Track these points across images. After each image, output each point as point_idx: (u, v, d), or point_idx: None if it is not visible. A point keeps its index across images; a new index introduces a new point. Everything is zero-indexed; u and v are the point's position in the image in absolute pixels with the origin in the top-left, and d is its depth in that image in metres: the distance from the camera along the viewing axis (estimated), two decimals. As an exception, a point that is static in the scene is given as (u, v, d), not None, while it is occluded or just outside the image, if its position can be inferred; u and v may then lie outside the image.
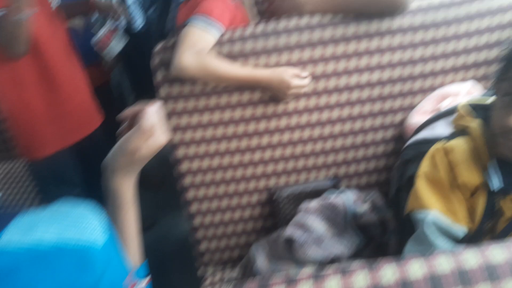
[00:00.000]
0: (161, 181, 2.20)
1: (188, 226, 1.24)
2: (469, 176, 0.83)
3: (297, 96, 1.13)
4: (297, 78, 1.08)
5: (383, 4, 1.06)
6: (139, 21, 2.28)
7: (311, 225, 1.07)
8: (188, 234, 1.27)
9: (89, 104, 1.55)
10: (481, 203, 0.83)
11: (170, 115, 1.13)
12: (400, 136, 1.19)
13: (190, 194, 1.21)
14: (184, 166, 1.18)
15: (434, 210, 0.84)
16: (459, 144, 0.86)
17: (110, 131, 2.23)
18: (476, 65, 1.15)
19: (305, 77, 1.10)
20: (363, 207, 1.10)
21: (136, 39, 2.41)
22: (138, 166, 0.65)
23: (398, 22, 1.09)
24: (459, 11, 1.10)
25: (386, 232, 1.11)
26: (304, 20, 1.09)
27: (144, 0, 2.35)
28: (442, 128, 1.00)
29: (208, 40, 1.03)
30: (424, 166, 0.89)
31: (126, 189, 0.65)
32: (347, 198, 1.10)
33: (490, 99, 0.87)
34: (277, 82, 1.06)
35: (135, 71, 2.68)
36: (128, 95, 2.70)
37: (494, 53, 1.14)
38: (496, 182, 0.81)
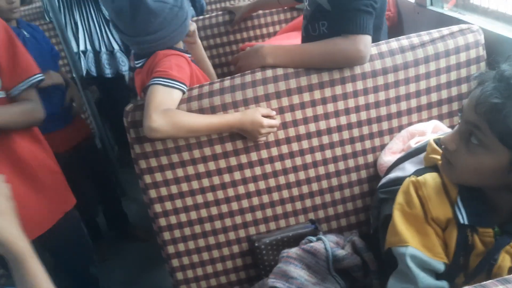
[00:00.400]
0: (147, 234, 2.18)
1: (171, 281, 1.23)
2: (440, 210, 0.85)
3: (271, 133, 1.14)
4: (268, 117, 1.11)
5: (340, 60, 1.11)
6: (126, 66, 2.30)
7: (293, 273, 1.07)
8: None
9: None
10: (453, 237, 0.85)
11: (143, 172, 1.15)
12: (374, 176, 1.22)
13: (170, 249, 1.20)
14: (162, 222, 1.18)
15: (411, 245, 0.85)
16: (429, 179, 0.89)
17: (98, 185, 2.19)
18: (439, 103, 1.20)
19: (275, 116, 1.13)
20: (343, 251, 1.11)
21: (110, 86, 2.44)
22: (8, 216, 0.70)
23: (359, 69, 1.14)
24: (415, 54, 1.15)
25: (368, 273, 1.11)
26: (269, 73, 1.13)
27: (126, 49, 2.39)
28: (411, 167, 1.03)
29: (174, 98, 1.06)
30: (399, 201, 0.91)
31: (14, 240, 0.68)
32: (327, 243, 1.10)
33: None
34: (250, 123, 1.09)
35: (114, 121, 2.69)
36: (111, 146, 2.69)
37: (453, 91, 1.19)
38: (462, 218, 0.83)
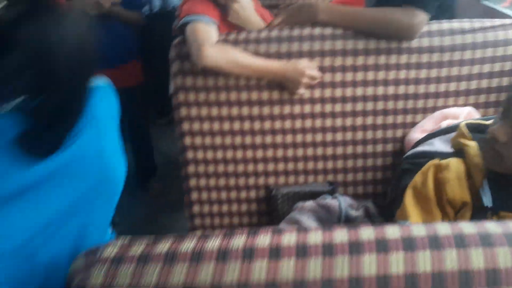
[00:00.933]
0: (161, 189, 2.24)
1: (186, 214, 1.29)
2: (458, 193, 0.88)
3: (309, 87, 1.17)
4: (309, 68, 1.14)
5: (392, 30, 1.12)
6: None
7: (304, 223, 1.11)
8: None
9: None
10: (466, 219, 0.87)
11: (181, 105, 1.19)
12: (399, 150, 1.24)
13: (192, 182, 1.26)
14: (189, 155, 1.23)
15: (412, 221, 0.89)
16: (453, 163, 0.91)
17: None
18: (477, 92, 1.21)
19: (317, 69, 1.16)
20: (356, 212, 1.14)
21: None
22: None
23: (407, 43, 1.15)
24: (464, 39, 1.16)
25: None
26: (317, 31, 1.16)
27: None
28: (439, 144, 1.05)
29: (213, 32, 1.12)
30: (415, 180, 0.94)
31: None
32: (342, 202, 1.14)
33: (489, 121, 0.92)
34: (292, 71, 1.12)
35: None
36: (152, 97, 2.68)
37: (494, 82, 1.20)
38: (487, 200, 0.85)
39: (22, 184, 0.48)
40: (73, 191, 0.53)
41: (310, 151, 1.24)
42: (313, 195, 1.21)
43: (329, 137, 1.23)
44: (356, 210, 1.16)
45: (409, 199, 0.92)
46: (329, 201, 1.14)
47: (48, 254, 0.53)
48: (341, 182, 1.27)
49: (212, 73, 1.15)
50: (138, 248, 0.52)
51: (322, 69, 1.17)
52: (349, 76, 1.18)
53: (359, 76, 1.18)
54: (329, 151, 1.24)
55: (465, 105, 1.22)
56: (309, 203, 1.15)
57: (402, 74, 1.18)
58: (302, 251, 0.51)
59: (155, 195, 2.22)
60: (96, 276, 0.49)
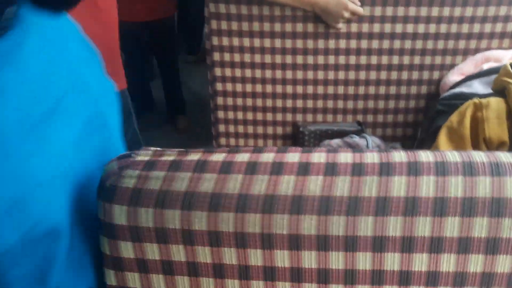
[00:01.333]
0: (188, 125, 2.26)
1: (213, 145, 1.31)
2: (497, 132, 0.85)
3: (349, 22, 1.13)
4: (352, 3, 1.09)
5: None
6: None
7: (329, 160, 1.11)
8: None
9: None
10: None
11: (212, 33, 1.17)
12: (434, 93, 1.20)
13: (220, 114, 1.26)
14: (218, 87, 1.23)
15: None
16: (494, 102, 0.88)
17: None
18: (525, 34, 1.14)
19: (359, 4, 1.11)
20: (383, 153, 1.13)
21: None
22: None
23: (455, -25, 1.08)
24: (519, -26, 1.07)
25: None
26: None
27: None
28: (479, 86, 1.01)
29: None
30: (451, 119, 0.91)
31: None
32: (370, 141, 1.13)
33: None
34: (334, 4, 1.08)
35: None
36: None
37: (546, 24, 1.12)
38: None
39: (57, 97, 0.48)
40: (85, 109, 0.53)
41: (341, 89, 1.22)
42: (341, 134, 1.20)
43: (362, 75, 1.20)
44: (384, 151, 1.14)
45: (442, 138, 0.90)
46: (357, 140, 1.13)
47: (83, 168, 0.53)
48: (370, 123, 1.25)
49: (246, 1, 1.12)
50: (170, 156, 0.53)
51: (362, 2, 1.11)
52: (389, 11, 1.12)
53: (400, 11, 1.12)
54: (361, 90, 1.21)
55: (510, 48, 1.15)
56: (336, 141, 1.14)
57: (446, 12, 1.11)
58: (331, 168, 0.51)
59: (183, 130, 2.26)
60: (128, 178, 0.51)
